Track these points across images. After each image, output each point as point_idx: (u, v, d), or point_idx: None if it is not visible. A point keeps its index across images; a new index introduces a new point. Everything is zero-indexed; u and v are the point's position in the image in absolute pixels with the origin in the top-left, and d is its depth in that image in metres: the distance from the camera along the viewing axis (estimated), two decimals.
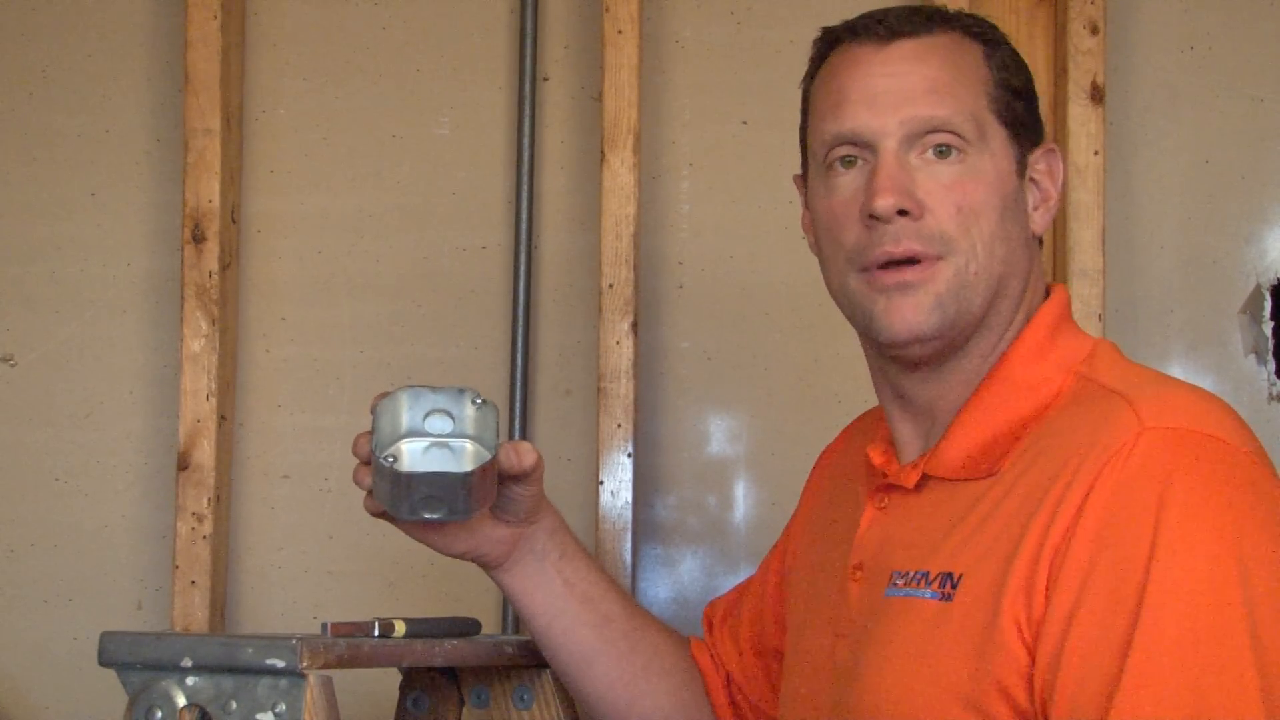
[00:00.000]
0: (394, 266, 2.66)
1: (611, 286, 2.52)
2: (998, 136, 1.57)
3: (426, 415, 1.66)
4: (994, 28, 1.64)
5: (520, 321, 2.60)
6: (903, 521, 1.60)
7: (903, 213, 1.56)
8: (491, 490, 1.71)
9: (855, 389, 2.52)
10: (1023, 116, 1.60)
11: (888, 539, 1.60)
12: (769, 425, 2.58)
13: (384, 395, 1.68)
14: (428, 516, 1.68)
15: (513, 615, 2.51)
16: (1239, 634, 1.37)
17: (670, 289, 2.61)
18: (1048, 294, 1.65)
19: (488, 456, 1.65)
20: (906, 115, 1.57)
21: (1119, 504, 1.42)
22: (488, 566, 1.86)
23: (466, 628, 1.98)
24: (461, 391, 1.67)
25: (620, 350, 2.51)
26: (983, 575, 1.47)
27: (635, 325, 2.52)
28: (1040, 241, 1.66)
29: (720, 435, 2.59)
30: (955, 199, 1.56)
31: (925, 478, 1.60)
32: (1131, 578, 1.39)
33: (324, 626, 1.81)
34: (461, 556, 1.84)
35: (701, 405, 2.60)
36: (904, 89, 1.57)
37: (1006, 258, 1.58)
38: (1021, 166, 1.59)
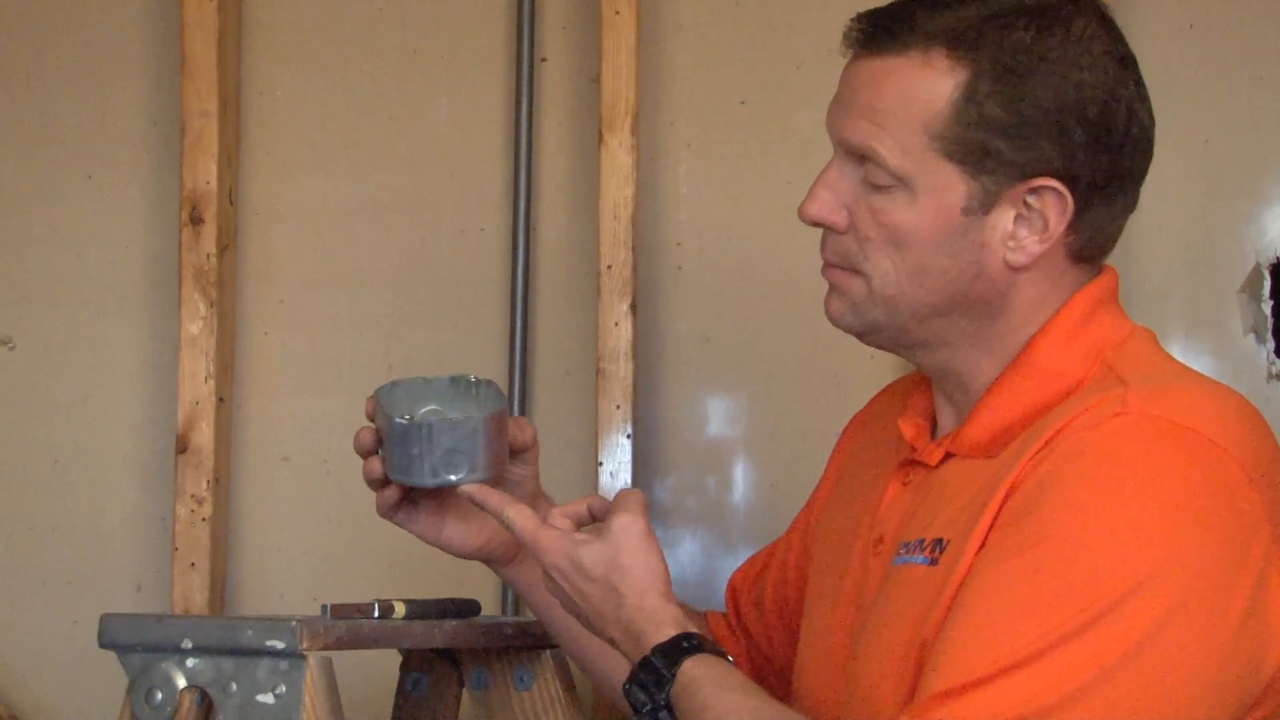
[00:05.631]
0: (392, 249, 2.66)
1: (610, 268, 2.52)
2: (941, 171, 1.54)
3: (429, 398, 1.72)
4: (1022, 50, 1.54)
5: (519, 304, 2.60)
6: (923, 497, 1.60)
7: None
8: (505, 450, 1.73)
9: (855, 370, 2.52)
10: (997, 148, 1.54)
11: (909, 514, 1.61)
12: (768, 407, 2.58)
13: (381, 389, 1.72)
14: (450, 477, 1.69)
15: (512, 596, 2.52)
16: (1107, 628, 1.38)
17: (669, 270, 2.61)
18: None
19: (502, 403, 1.69)
20: (842, 136, 1.59)
21: (1060, 472, 1.44)
22: (500, 562, 1.87)
23: (466, 609, 1.98)
24: (455, 378, 1.72)
25: (619, 332, 2.51)
26: (959, 539, 1.50)
27: (634, 307, 2.52)
28: (1085, 259, 1.61)
29: (719, 417, 2.59)
30: (876, 225, 1.57)
31: (948, 455, 1.61)
32: (1032, 542, 1.42)
33: (324, 608, 1.81)
34: (473, 555, 1.86)
35: (700, 387, 2.60)
36: (849, 107, 1.58)
37: (943, 289, 1.57)
38: (989, 198, 1.55)
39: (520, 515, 1.68)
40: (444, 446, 1.68)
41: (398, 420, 1.69)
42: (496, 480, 1.75)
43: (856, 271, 1.59)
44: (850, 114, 1.58)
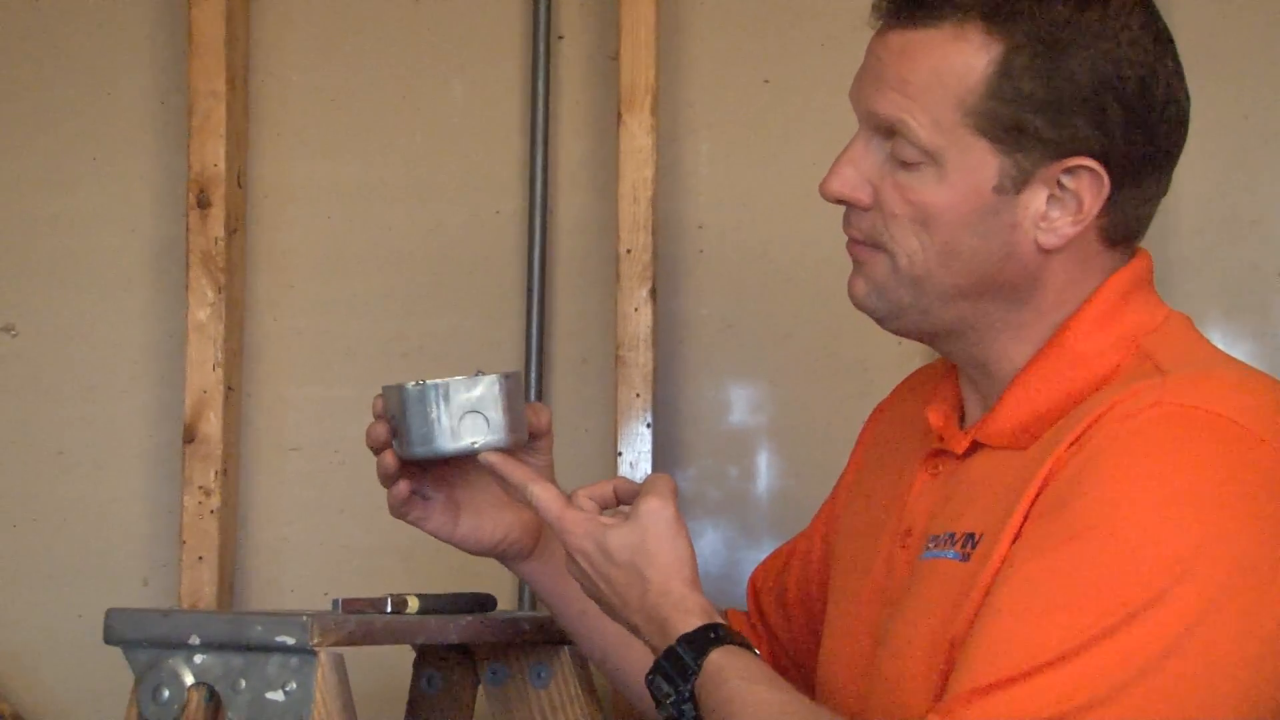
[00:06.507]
0: (405, 233, 2.65)
1: (629, 252, 2.52)
2: (973, 148, 1.54)
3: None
4: (1059, 24, 1.53)
5: (535, 290, 2.59)
6: (952, 489, 1.60)
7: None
8: (523, 418, 1.74)
9: (880, 357, 2.52)
10: (1032, 125, 1.53)
11: (937, 506, 1.61)
12: (791, 394, 2.58)
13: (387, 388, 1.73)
14: (471, 441, 1.70)
15: (529, 591, 2.52)
16: (1143, 625, 1.38)
17: (690, 254, 2.60)
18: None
19: (517, 371, 1.73)
20: (868, 109, 1.58)
21: (1096, 464, 1.44)
22: (516, 558, 1.86)
23: (482, 604, 1.99)
24: (462, 379, 1.72)
25: (638, 318, 2.51)
26: (992, 533, 1.50)
27: (654, 292, 2.52)
28: (1124, 243, 1.61)
29: (741, 405, 2.59)
30: (903, 203, 1.57)
31: (975, 445, 1.60)
32: (1067, 536, 1.42)
33: (335, 603, 1.82)
34: (488, 551, 1.85)
35: (722, 374, 2.59)
36: (878, 79, 1.57)
37: (972, 271, 1.56)
38: (1022, 176, 1.55)
39: (546, 493, 1.68)
40: (461, 406, 1.69)
41: (410, 386, 1.70)
42: (515, 454, 1.75)
43: (881, 250, 1.59)
44: (879, 86, 1.57)
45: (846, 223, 1.61)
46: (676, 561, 1.62)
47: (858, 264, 1.61)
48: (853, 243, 1.61)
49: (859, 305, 1.62)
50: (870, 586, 1.67)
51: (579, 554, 1.65)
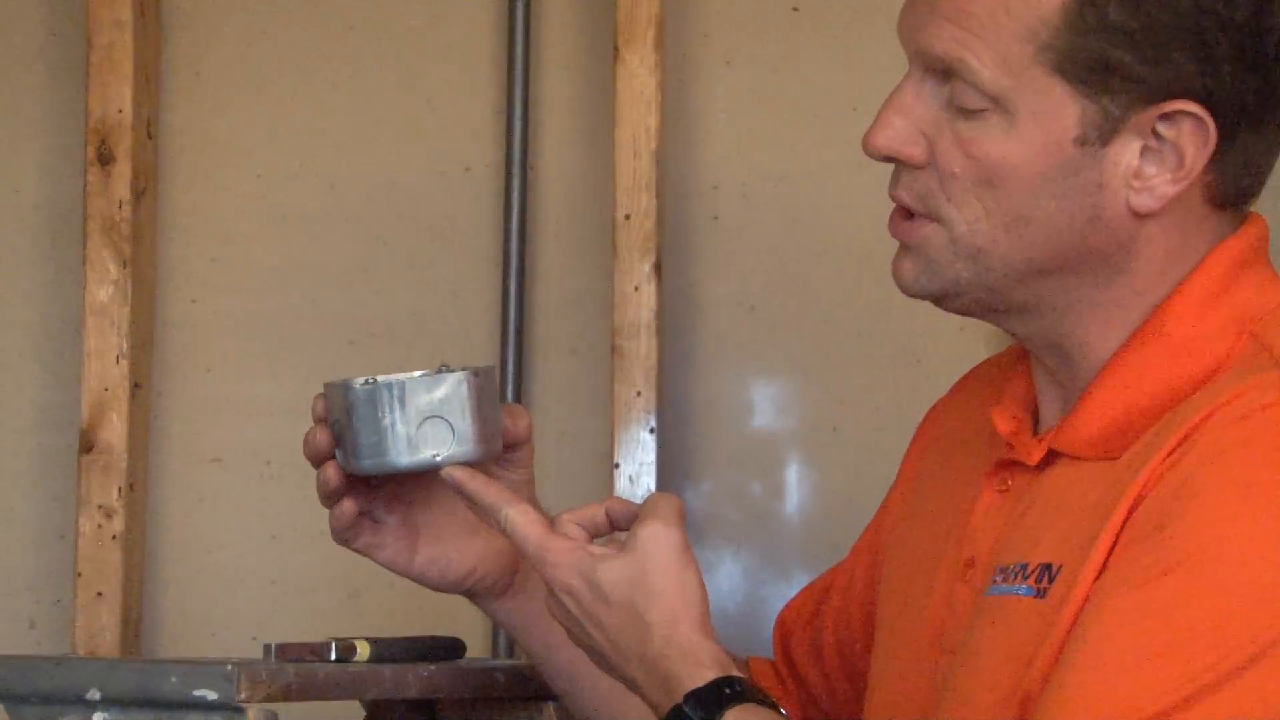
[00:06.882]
0: (353, 193, 2.67)
1: (628, 218, 2.53)
2: (1049, 90, 1.54)
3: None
4: None
5: (513, 263, 2.60)
6: (1025, 509, 1.60)
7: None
8: (497, 424, 1.74)
9: (938, 344, 2.54)
10: (1121, 62, 1.53)
11: (1006, 530, 1.60)
12: (829, 392, 2.59)
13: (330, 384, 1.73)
14: (433, 455, 1.70)
15: (505, 636, 2.53)
16: (1265, 670, 1.39)
17: (703, 220, 2.62)
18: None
19: (490, 367, 1.72)
20: (919, 46, 1.58)
21: (1201, 476, 1.44)
22: (489, 595, 1.86)
23: (447, 650, 1.99)
24: (425, 375, 1.72)
25: (639, 299, 2.52)
26: (1073, 563, 1.49)
27: (658, 267, 2.52)
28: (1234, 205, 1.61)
29: (767, 405, 2.60)
30: (963, 159, 1.57)
31: (1053, 454, 1.60)
32: (1166, 567, 1.42)
33: (268, 649, 1.82)
34: (454, 587, 1.85)
35: (744, 367, 2.60)
36: (932, 10, 1.57)
37: (1048, 241, 1.57)
38: (1109, 125, 1.55)
39: (523, 516, 1.67)
40: (420, 411, 1.69)
41: (358, 386, 1.70)
42: (487, 469, 1.75)
43: (935, 218, 1.59)
44: (933, 18, 1.56)
45: (894, 184, 1.61)
46: (684, 601, 1.62)
47: (904, 245, 1.62)
48: (897, 220, 1.62)
49: (908, 291, 1.62)
50: (926, 628, 1.66)
51: (564, 591, 1.64)
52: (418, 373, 1.72)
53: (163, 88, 2.68)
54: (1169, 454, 1.48)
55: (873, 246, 2.50)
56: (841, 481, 2.57)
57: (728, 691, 1.56)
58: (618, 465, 2.51)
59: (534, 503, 1.79)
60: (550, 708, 1.96)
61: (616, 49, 2.54)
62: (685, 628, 1.61)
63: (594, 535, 1.69)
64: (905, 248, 1.62)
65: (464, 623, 2.39)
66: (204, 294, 2.68)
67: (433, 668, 1.89)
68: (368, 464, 1.72)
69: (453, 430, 1.71)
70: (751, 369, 2.61)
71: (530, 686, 1.95)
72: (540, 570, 1.66)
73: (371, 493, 1.80)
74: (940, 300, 1.62)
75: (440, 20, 2.68)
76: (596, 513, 1.70)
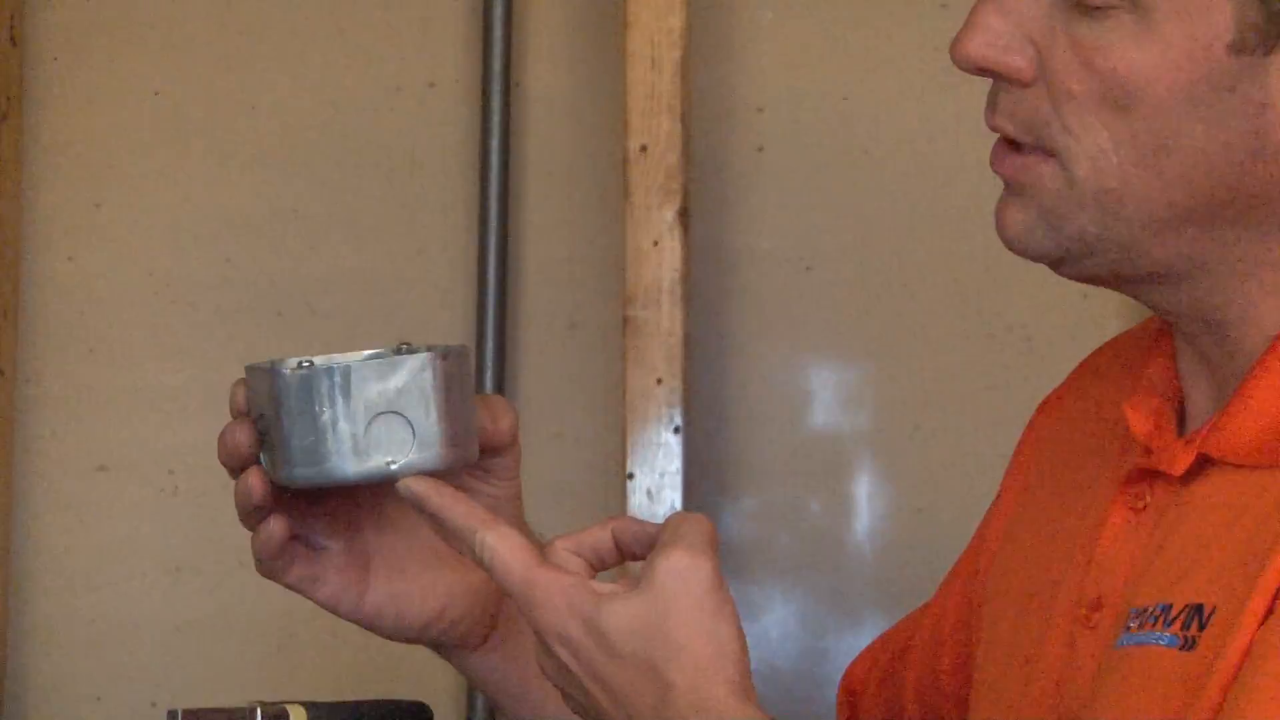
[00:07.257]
0: (284, 119, 2.72)
1: (644, 150, 2.53)
2: None
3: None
4: None
5: (493, 209, 2.63)
6: (1167, 533, 1.59)
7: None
8: (472, 422, 1.72)
9: (1049, 318, 2.58)
10: None
11: (1143, 561, 1.59)
12: (909, 380, 2.63)
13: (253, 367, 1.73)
14: (387, 463, 1.67)
15: (483, 700, 2.49)
16: None
17: (744, 154, 2.65)
18: None
19: (465, 353, 1.71)
20: None
21: None
22: (462, 645, 1.84)
23: (407, 719, 1.93)
24: (379, 354, 1.72)
25: (660, 256, 2.52)
26: (1230, 603, 1.49)
27: (684, 214, 2.52)
28: None
29: (828, 397, 2.64)
30: (1084, 73, 1.57)
31: (1204, 461, 1.58)
32: None
33: (170, 716, 1.77)
34: (424, 633, 1.82)
35: (797, 346, 2.63)
36: None
37: (1197, 179, 1.56)
38: (1273, 26, 1.55)
39: (505, 543, 1.64)
40: (370, 404, 1.66)
41: (289, 371, 1.69)
42: (458, 480, 1.73)
43: (1050, 152, 1.58)
44: None
45: (992, 108, 1.59)
46: (716, 653, 1.59)
47: (1010, 185, 1.62)
48: (1000, 153, 1.61)
49: (1015, 248, 1.61)
50: (1042, 679, 1.63)
51: (557, 640, 1.60)
52: (367, 353, 1.71)
53: None
54: None
55: (966, 188, 2.51)
56: (926, 497, 2.62)
57: None
58: (632, 475, 2.53)
59: (520, 525, 1.78)
60: None
61: None
62: (718, 689, 1.58)
63: (598, 567, 1.68)
64: (1012, 190, 1.61)
65: (430, 683, 2.41)
66: (84, 252, 2.69)
67: None
68: (302, 473, 1.69)
69: (413, 430, 1.69)
70: (807, 349, 2.63)
71: None
72: (527, 613, 1.64)
73: (308, 510, 1.77)
74: (1059, 264, 1.61)
75: None
76: (601, 537, 1.68)
